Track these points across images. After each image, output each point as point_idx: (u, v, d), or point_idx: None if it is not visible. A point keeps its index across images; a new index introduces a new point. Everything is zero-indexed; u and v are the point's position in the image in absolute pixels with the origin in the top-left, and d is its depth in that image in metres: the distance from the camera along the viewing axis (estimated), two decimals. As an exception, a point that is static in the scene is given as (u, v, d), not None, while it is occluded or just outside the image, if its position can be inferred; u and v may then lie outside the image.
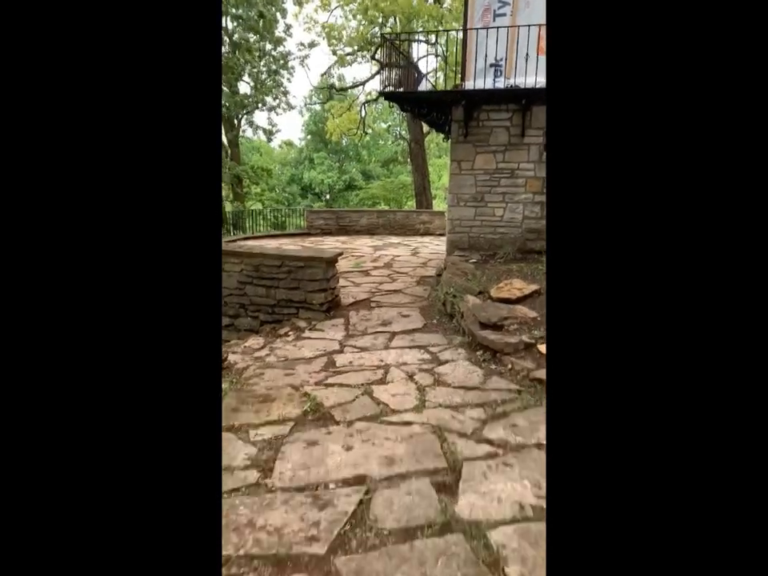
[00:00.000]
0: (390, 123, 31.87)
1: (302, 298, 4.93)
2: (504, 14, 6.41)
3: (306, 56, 19.42)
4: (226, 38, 17.24)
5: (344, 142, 28.96)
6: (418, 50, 15.75)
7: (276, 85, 19.64)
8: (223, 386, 3.11)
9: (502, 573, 1.51)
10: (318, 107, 28.77)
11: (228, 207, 20.75)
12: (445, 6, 16.13)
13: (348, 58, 17.56)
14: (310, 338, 4.36)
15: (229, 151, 20.52)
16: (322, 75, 19.74)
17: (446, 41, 9.15)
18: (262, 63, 18.75)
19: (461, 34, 7.16)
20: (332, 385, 3.13)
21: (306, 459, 2.18)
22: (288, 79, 20.19)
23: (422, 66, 13.95)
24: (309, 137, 34.31)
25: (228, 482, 1.99)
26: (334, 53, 17.43)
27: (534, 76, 6.21)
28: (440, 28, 15.13)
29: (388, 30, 15.48)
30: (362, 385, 3.11)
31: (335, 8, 17.02)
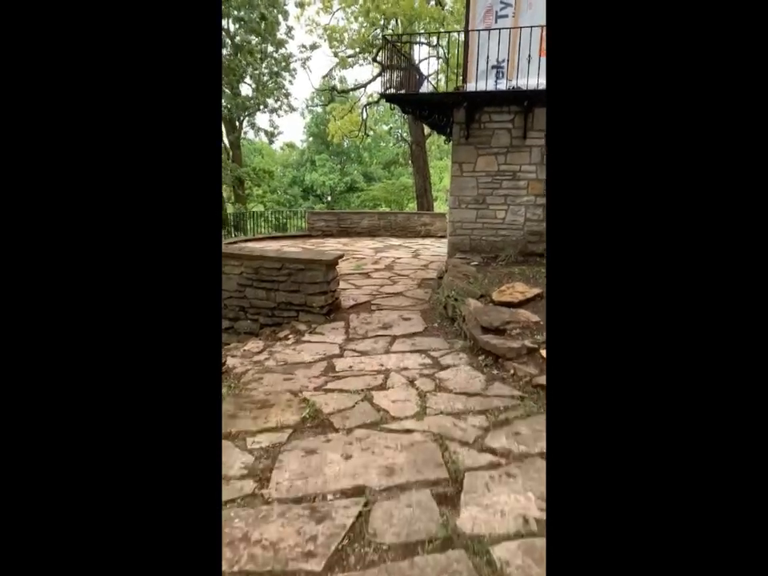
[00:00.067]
0: (391, 125, 31.86)
1: (302, 300, 4.88)
2: (506, 15, 6.36)
3: (308, 58, 19.43)
4: (227, 40, 17.25)
5: (345, 143, 28.92)
6: (420, 52, 15.78)
7: (278, 87, 19.62)
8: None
9: (505, 591, 1.45)
10: (319, 109, 28.74)
11: (229, 209, 20.74)
12: (446, 8, 16.10)
13: (349, 60, 17.54)
14: (309, 341, 4.30)
15: (230, 153, 20.51)
16: (324, 77, 19.73)
17: (448, 42, 9.11)
18: (263, 65, 18.74)
19: (462, 36, 7.12)
20: (331, 390, 3.08)
21: (303, 468, 2.13)
22: (290, 81, 20.18)
23: (424, 68, 13.95)
24: (310, 139, 34.30)
25: (224, 493, 1.93)
26: (336, 55, 17.41)
27: (536, 78, 6.16)
28: (441, 30, 15.09)
29: (389, 32, 15.45)
30: (362, 390, 3.05)
31: (337, 10, 17.00)
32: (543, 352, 3.31)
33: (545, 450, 2.23)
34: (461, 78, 6.97)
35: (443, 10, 15.83)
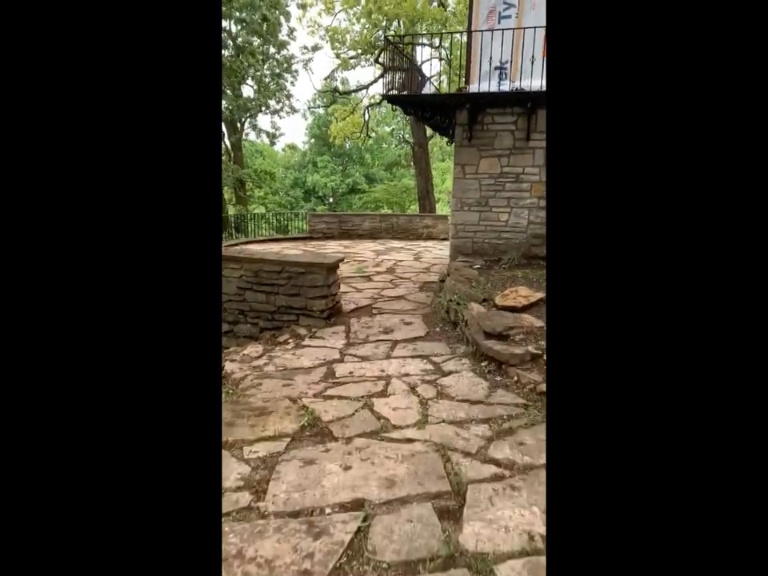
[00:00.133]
0: (393, 127, 31.84)
1: (303, 304, 4.82)
2: (509, 16, 6.31)
3: (310, 59, 19.39)
4: (229, 42, 17.24)
5: (347, 145, 28.90)
6: (422, 53, 15.72)
7: (279, 88, 19.61)
8: (218, 398, 3.00)
9: (510, 614, 1.39)
10: (321, 111, 28.72)
11: (231, 210, 20.72)
12: (449, 9, 16.06)
13: (351, 61, 17.50)
14: (309, 345, 4.25)
15: (232, 154, 20.50)
16: (326, 79, 19.69)
17: (450, 44, 9.06)
18: (265, 66, 18.73)
19: (465, 37, 7.06)
20: (331, 397, 3.02)
21: (301, 480, 2.07)
22: (291, 83, 20.17)
23: (426, 70, 13.90)
24: (312, 140, 34.26)
25: (218, 506, 1.87)
26: (338, 56, 17.36)
27: (539, 79, 6.10)
28: (444, 31, 15.04)
29: (392, 33, 15.41)
30: (363, 397, 2.99)
31: (339, 11, 16.97)
32: (547, 358, 3.25)
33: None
34: (463, 79, 6.91)
35: (446, 11, 15.78)
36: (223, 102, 17.74)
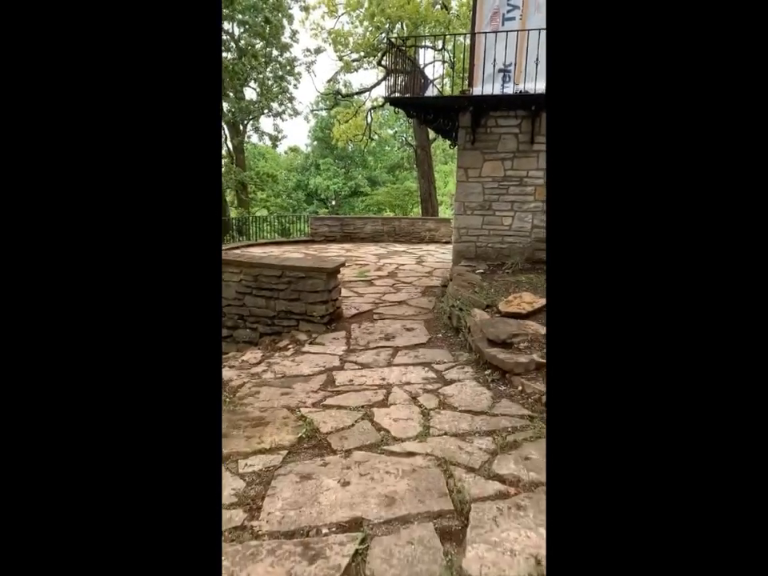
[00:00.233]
0: (396, 129, 31.81)
1: (303, 309, 4.74)
2: (513, 18, 6.24)
3: (313, 62, 19.31)
4: (232, 44, 17.22)
5: (350, 148, 28.89)
6: (425, 56, 15.65)
7: (282, 91, 19.58)
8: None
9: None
10: (324, 113, 28.69)
11: (233, 213, 20.68)
12: (452, 11, 16.01)
13: (354, 64, 17.47)
14: (309, 352, 4.17)
15: (234, 157, 20.47)
16: (328, 81, 19.65)
17: (454, 46, 8.97)
18: (268, 69, 18.71)
19: (468, 39, 6.99)
20: (330, 407, 2.94)
21: (297, 497, 1.98)
22: (294, 85, 20.17)
23: (429, 72, 13.82)
24: (315, 143, 34.23)
25: (210, 525, 1.79)
26: (341, 59, 17.34)
27: (544, 82, 6.01)
28: (447, 33, 14.99)
29: (394, 35, 15.36)
30: (362, 407, 2.91)
31: (342, 14, 16.95)
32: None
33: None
34: (467, 82, 6.84)
35: (449, 13, 15.74)
36: (225, 105, 17.74)
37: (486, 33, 6.29)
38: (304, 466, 2.23)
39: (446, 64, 15.01)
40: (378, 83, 17.71)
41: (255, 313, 4.95)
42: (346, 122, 19.04)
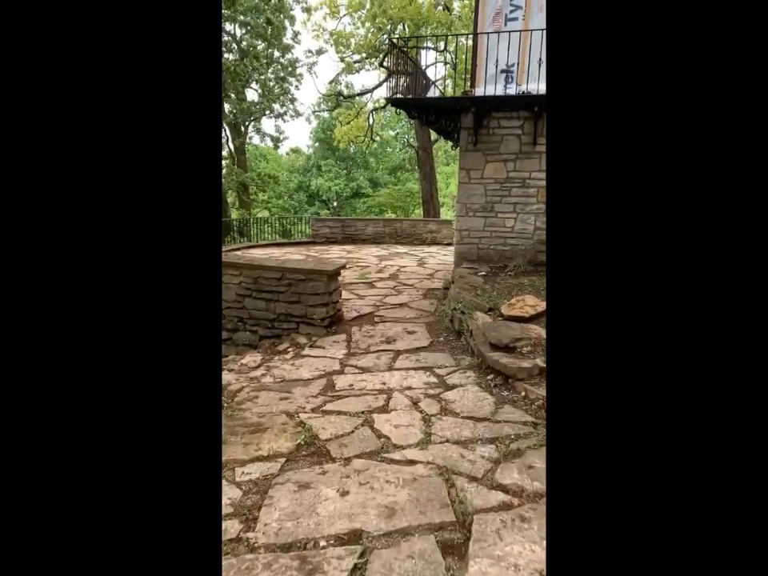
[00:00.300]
0: (398, 131, 31.77)
1: (303, 312, 4.69)
2: (516, 18, 6.18)
3: (314, 63, 19.29)
4: (233, 45, 17.21)
5: (352, 149, 28.85)
6: (427, 57, 15.58)
7: (283, 92, 19.55)
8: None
9: None
10: (325, 114, 28.65)
11: (234, 214, 20.66)
12: (454, 13, 15.97)
13: (356, 65, 17.44)
14: (309, 355, 4.12)
15: (235, 158, 20.44)
16: (330, 82, 19.61)
17: (456, 47, 8.93)
18: (269, 70, 18.68)
19: (470, 40, 6.95)
20: (330, 412, 2.88)
21: (295, 507, 1.93)
22: (296, 86, 20.15)
23: (431, 74, 13.76)
24: (317, 144, 34.20)
25: (205, 536, 1.73)
26: (342, 60, 17.31)
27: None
28: (449, 34, 14.95)
29: (396, 36, 15.32)
30: (363, 413, 2.85)
31: (344, 15, 16.91)
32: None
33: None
34: (469, 83, 6.79)
35: (451, 14, 15.70)
36: (227, 106, 17.72)
37: (488, 33, 6.25)
38: (302, 475, 2.17)
39: (448, 65, 14.97)
40: (380, 84, 17.66)
41: (255, 315, 4.90)
42: (348, 123, 19.00)
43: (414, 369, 3.66)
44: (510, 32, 6.02)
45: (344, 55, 17.13)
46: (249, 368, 3.94)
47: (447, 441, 2.48)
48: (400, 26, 16.12)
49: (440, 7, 15.84)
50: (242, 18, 16.72)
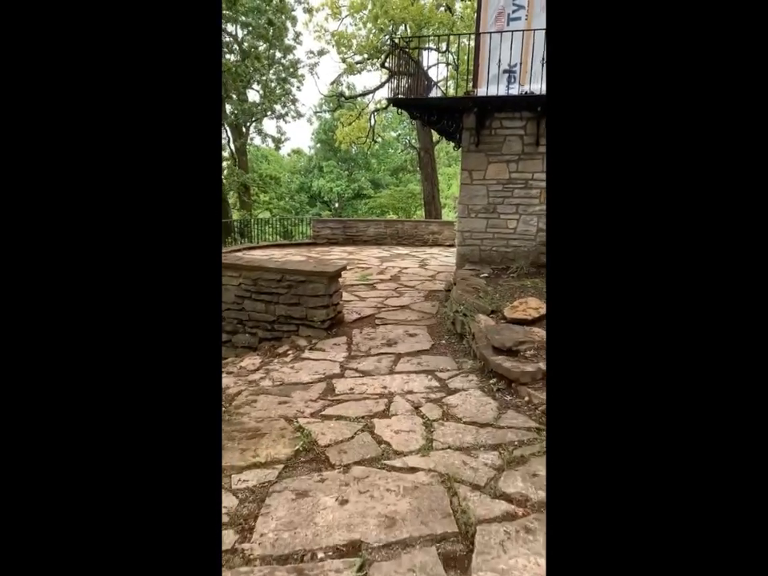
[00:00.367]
0: (399, 132, 31.74)
1: (303, 314, 4.64)
2: (519, 18, 6.13)
3: (316, 64, 19.28)
4: (235, 46, 17.18)
5: (353, 150, 28.79)
6: (429, 58, 15.54)
7: (285, 93, 19.50)
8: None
9: None
10: (327, 115, 28.61)
11: (235, 215, 20.63)
12: (456, 13, 15.93)
13: (358, 66, 17.38)
14: (309, 358, 4.06)
15: (237, 159, 20.41)
16: (332, 83, 19.57)
17: (458, 47, 8.88)
18: (271, 71, 18.63)
19: (473, 40, 6.89)
20: (329, 417, 2.83)
21: (293, 516, 1.87)
22: (297, 87, 20.09)
23: (433, 75, 13.72)
24: (318, 145, 34.15)
25: (199, 547, 1.68)
26: (344, 61, 17.26)
27: (549, 82, 5.91)
28: (451, 33, 14.90)
29: (398, 37, 15.28)
30: (363, 418, 2.80)
31: (345, 16, 16.88)
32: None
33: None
34: (471, 83, 6.73)
35: (453, 15, 15.66)
36: (228, 107, 17.69)
37: (490, 33, 6.19)
38: (300, 482, 2.12)
39: (450, 66, 14.92)
40: (382, 85, 17.61)
41: (255, 317, 4.85)
42: (350, 124, 18.97)
43: (416, 372, 3.60)
44: (512, 32, 5.96)
45: (346, 56, 17.09)
46: (248, 371, 3.88)
47: (449, 447, 2.42)
48: (402, 27, 16.08)
49: (442, 8, 15.80)
50: (243, 18, 16.68)
